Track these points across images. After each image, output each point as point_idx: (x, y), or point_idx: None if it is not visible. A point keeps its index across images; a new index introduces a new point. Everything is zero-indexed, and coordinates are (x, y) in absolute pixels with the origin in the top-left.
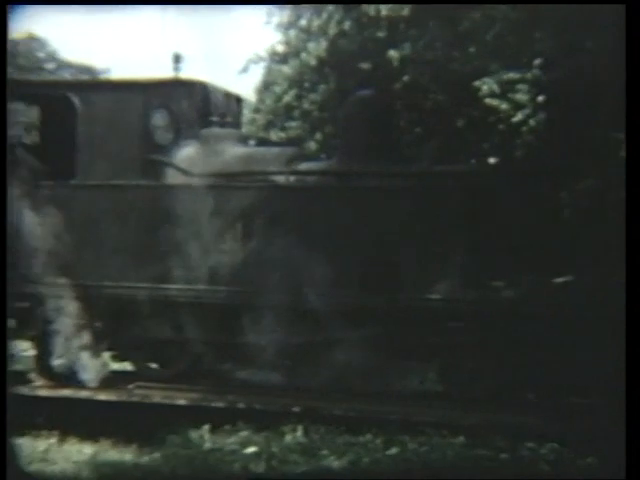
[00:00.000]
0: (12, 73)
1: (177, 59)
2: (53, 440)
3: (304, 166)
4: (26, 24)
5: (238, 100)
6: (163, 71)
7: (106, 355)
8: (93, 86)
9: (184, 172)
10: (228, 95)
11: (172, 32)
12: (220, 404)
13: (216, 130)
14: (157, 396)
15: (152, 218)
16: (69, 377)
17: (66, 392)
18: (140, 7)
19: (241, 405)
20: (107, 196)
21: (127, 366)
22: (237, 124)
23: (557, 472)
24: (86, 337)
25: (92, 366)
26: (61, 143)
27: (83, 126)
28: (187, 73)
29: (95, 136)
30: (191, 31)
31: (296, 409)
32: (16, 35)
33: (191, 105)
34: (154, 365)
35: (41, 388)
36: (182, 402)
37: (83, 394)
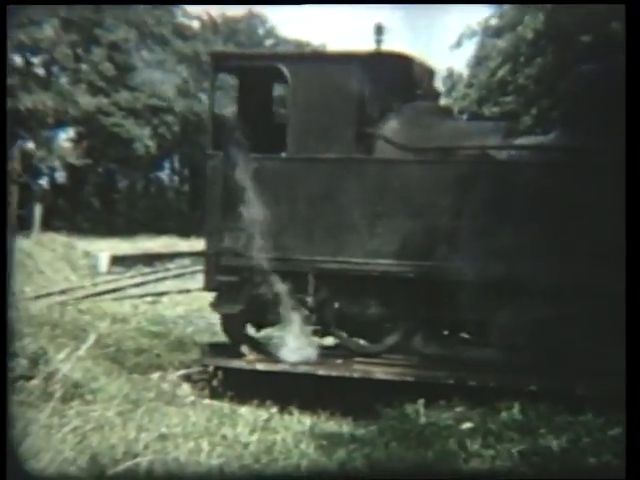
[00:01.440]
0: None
1: (379, 31)
2: (274, 410)
3: (522, 141)
4: None
5: (431, 74)
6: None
7: (312, 330)
8: (304, 58)
9: (400, 147)
10: (428, 68)
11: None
12: (435, 380)
13: (424, 103)
14: (372, 372)
15: (365, 193)
16: (277, 350)
17: (284, 367)
18: None
19: (456, 381)
20: (319, 170)
21: (329, 341)
22: (437, 97)
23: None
24: (295, 312)
25: (300, 340)
26: (270, 116)
27: (294, 98)
28: (390, 45)
29: (306, 108)
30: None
31: (512, 386)
32: (237, 13)
33: (398, 78)
34: (362, 341)
35: (258, 362)
36: (396, 377)
37: (302, 369)
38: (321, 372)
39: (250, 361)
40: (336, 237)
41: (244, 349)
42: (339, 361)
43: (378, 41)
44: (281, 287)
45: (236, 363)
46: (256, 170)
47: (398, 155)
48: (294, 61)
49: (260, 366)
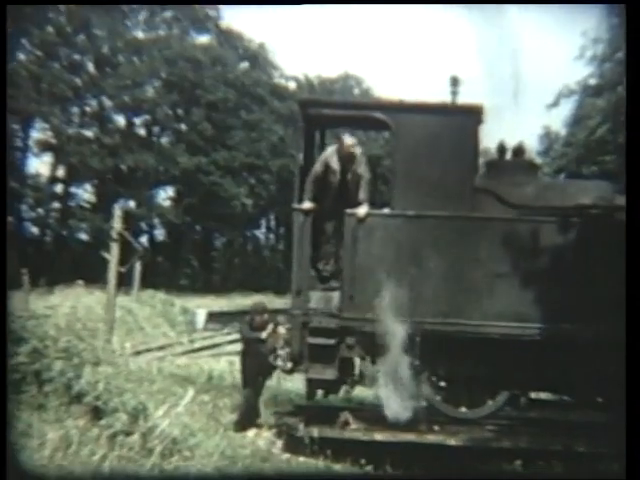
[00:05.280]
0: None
1: (455, 82)
2: (369, 468)
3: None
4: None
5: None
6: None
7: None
8: (411, 109)
9: (510, 204)
10: None
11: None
12: (536, 446)
13: (511, 159)
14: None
15: (485, 252)
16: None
17: (410, 437)
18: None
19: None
20: (432, 227)
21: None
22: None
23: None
24: (396, 375)
25: (400, 404)
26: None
27: (399, 151)
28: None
29: (414, 162)
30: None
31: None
32: (333, 74)
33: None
34: (462, 408)
35: (377, 433)
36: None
37: (432, 439)
38: (453, 442)
39: (362, 430)
40: (449, 298)
41: (346, 415)
42: (436, 427)
43: (454, 93)
44: (383, 349)
45: (348, 434)
46: (354, 227)
47: (500, 212)
48: (400, 111)
49: (379, 436)
